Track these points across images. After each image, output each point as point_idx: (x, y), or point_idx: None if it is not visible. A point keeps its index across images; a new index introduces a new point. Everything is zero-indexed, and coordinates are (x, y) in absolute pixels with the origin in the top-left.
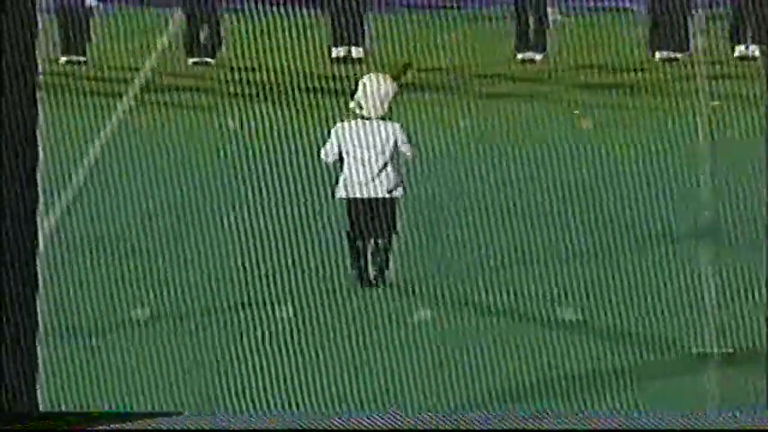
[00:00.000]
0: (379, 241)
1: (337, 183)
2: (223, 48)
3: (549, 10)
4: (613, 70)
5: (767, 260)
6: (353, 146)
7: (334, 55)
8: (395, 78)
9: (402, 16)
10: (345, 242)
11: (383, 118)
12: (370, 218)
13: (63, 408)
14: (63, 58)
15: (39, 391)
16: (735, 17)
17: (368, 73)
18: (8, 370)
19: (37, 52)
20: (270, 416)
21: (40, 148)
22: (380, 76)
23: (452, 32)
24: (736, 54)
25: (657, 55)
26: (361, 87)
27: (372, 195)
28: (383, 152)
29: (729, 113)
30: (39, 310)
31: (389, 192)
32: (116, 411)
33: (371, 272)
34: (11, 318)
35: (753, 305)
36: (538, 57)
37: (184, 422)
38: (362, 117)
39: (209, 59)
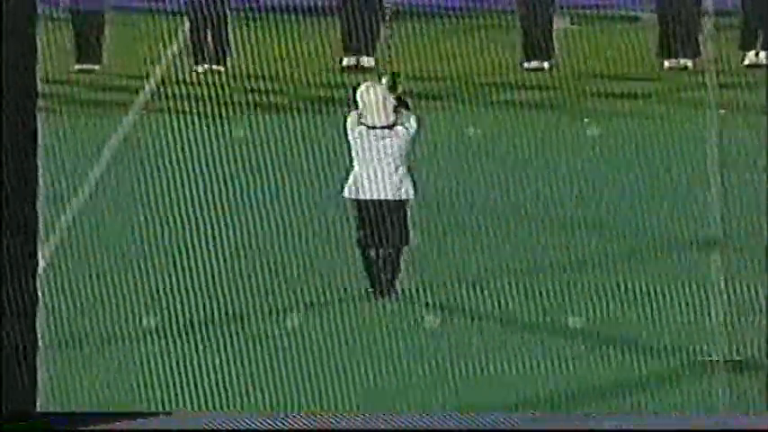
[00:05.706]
0: (390, 250)
1: (347, 179)
2: (232, 54)
3: (555, 18)
4: (621, 78)
5: None
6: (363, 148)
7: (345, 63)
8: (391, 90)
9: (409, 24)
10: (357, 251)
11: (390, 126)
12: (381, 224)
13: (62, 408)
14: (76, 66)
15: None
16: (745, 25)
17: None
18: (8, 371)
19: (49, 59)
20: (272, 415)
21: (47, 158)
22: (374, 84)
23: (459, 40)
24: (746, 62)
25: (666, 63)
26: (358, 98)
27: (382, 197)
28: (392, 154)
29: (738, 121)
30: (39, 314)
31: (398, 192)
32: (110, 411)
33: (382, 280)
34: (11, 321)
35: (761, 313)
36: (545, 65)
37: (180, 422)
38: (368, 126)
39: (218, 67)
